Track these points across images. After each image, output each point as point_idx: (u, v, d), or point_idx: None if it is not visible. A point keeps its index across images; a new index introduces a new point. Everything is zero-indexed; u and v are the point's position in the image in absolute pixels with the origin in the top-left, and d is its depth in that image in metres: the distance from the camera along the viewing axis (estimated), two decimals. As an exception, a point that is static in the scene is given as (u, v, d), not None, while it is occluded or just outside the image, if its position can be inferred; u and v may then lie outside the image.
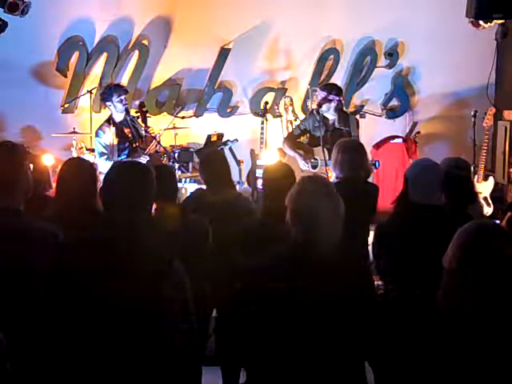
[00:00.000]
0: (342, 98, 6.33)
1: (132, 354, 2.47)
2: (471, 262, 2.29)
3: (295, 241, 2.60)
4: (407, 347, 2.37)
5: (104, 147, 6.32)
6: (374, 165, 5.87)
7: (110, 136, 6.32)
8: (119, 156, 6.36)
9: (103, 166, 6.11)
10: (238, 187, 7.03)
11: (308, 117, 6.54)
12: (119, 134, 6.38)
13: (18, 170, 3.00)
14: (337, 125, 6.17)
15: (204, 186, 4.62)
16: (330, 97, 6.22)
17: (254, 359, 2.60)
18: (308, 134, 6.39)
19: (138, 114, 6.58)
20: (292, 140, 6.44)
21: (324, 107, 6.16)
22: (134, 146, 6.43)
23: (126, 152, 6.38)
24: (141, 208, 2.62)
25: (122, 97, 6.37)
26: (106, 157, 6.30)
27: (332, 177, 4.95)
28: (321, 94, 6.23)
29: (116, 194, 2.60)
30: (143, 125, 6.53)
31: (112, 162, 6.07)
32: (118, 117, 6.38)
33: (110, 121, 6.39)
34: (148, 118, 6.64)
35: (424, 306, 2.42)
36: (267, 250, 2.67)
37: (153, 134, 6.52)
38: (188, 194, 5.80)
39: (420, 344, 2.32)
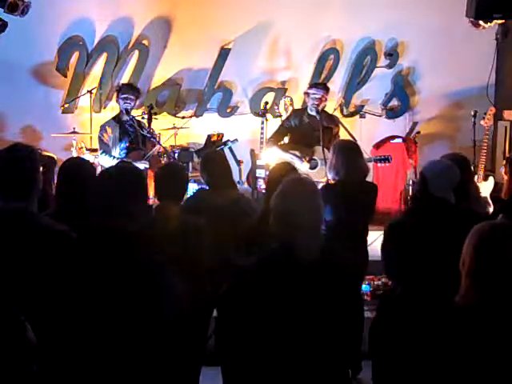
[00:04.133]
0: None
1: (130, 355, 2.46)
2: (485, 263, 2.28)
3: (278, 244, 2.59)
4: (416, 347, 2.37)
5: (105, 142, 6.44)
6: (387, 159, 5.87)
7: (111, 132, 6.41)
8: (120, 154, 6.43)
9: (103, 161, 6.35)
10: (238, 187, 7.03)
11: (293, 115, 6.50)
12: (122, 131, 6.44)
13: (36, 173, 3.03)
14: (325, 123, 6.15)
15: (206, 186, 4.62)
16: (327, 96, 6.26)
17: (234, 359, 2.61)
18: (290, 133, 6.38)
19: (146, 114, 6.64)
20: (281, 141, 6.41)
21: (321, 106, 6.19)
22: (134, 145, 6.47)
23: (125, 151, 6.43)
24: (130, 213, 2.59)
25: (124, 96, 6.43)
26: (104, 151, 6.42)
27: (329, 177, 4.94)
28: (318, 93, 6.21)
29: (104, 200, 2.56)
30: (146, 125, 6.61)
31: (111, 157, 6.33)
32: (124, 115, 6.47)
33: (116, 118, 6.49)
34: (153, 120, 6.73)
35: (437, 305, 2.41)
36: (256, 252, 2.68)
37: (155, 137, 6.63)
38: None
39: (432, 344, 2.31)
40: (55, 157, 6.56)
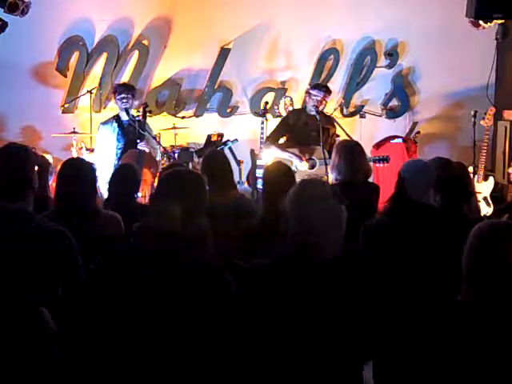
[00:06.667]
0: None
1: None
2: (485, 263, 2.28)
3: (297, 243, 2.57)
4: (401, 347, 2.37)
5: (98, 142, 6.61)
6: (386, 159, 5.90)
7: (105, 133, 6.49)
8: (116, 154, 6.45)
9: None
10: (237, 187, 7.02)
11: (291, 115, 6.49)
12: (120, 131, 6.46)
13: (31, 173, 3.02)
14: (323, 124, 6.15)
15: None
16: (327, 98, 6.26)
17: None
18: (288, 133, 6.38)
19: (141, 113, 6.63)
20: (277, 141, 6.42)
21: (320, 108, 6.20)
22: (131, 144, 6.48)
23: (122, 150, 6.46)
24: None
25: (121, 96, 6.45)
26: (92, 152, 6.61)
27: (331, 177, 4.94)
28: (319, 95, 6.21)
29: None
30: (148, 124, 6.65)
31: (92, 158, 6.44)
32: (123, 115, 6.48)
33: (115, 117, 6.53)
34: (148, 118, 6.72)
35: (410, 304, 2.41)
36: (270, 252, 2.65)
37: (154, 136, 6.68)
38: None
39: (420, 342, 2.32)
40: (51, 157, 6.54)
